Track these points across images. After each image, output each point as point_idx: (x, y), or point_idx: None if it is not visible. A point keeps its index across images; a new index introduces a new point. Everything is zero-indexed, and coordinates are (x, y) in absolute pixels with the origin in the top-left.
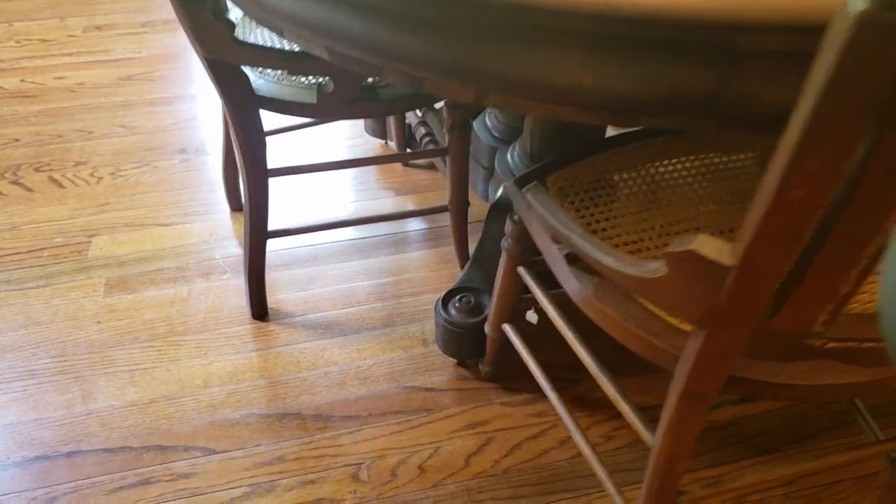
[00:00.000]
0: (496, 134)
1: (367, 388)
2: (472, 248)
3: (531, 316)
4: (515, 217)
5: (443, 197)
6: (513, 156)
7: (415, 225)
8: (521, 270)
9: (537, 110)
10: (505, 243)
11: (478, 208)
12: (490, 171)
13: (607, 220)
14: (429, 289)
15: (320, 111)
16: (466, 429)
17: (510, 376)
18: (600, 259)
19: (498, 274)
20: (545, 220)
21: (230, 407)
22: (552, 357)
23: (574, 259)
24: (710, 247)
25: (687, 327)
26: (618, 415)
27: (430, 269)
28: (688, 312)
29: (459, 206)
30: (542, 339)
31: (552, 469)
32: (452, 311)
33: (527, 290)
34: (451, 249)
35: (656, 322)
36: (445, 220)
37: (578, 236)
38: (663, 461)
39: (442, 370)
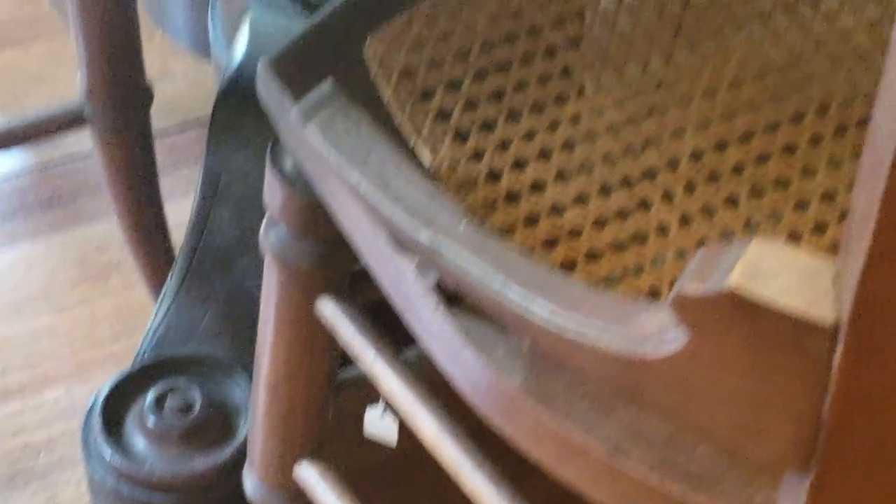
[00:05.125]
0: None
1: None
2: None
3: (376, 423)
4: (289, 167)
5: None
6: None
7: None
8: (329, 305)
9: None
10: (270, 239)
11: (170, 94)
12: None
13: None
14: (57, 370)
15: None
16: None
17: None
18: (513, 306)
19: (265, 329)
20: (368, 196)
21: None
22: None
23: (455, 298)
24: (775, 276)
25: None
26: None
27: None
28: (757, 439)
29: (116, 98)
30: (395, 479)
31: None
32: (138, 442)
33: (347, 358)
34: (89, 234)
35: (702, 451)
36: (54, 146)
37: (454, 242)
38: None
39: None
